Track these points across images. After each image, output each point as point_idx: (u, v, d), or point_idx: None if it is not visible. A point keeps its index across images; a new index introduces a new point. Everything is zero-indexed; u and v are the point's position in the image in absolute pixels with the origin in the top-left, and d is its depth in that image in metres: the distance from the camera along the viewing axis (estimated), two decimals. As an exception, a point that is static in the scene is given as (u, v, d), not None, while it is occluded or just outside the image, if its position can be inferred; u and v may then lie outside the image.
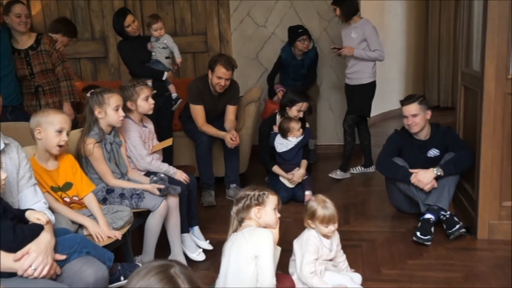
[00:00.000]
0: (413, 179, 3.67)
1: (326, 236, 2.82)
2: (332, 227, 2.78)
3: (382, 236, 3.72)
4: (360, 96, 5.03)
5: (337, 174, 5.13)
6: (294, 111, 4.51)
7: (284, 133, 4.50)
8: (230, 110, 4.67)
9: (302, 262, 2.75)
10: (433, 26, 8.56)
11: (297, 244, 2.86)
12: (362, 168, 5.30)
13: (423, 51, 8.73)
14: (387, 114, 7.78)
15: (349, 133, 5.08)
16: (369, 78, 5.00)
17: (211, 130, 4.50)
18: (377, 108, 7.49)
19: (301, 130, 4.50)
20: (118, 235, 2.76)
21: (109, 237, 2.73)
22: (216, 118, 4.65)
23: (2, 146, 2.19)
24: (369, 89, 5.04)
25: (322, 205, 2.78)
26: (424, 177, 3.64)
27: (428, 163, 3.73)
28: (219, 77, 4.38)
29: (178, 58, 4.63)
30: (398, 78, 8.16)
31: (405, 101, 3.84)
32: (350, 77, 5.07)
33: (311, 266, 2.73)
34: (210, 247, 3.59)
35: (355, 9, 4.93)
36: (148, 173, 3.43)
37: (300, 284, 2.77)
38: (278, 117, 4.66)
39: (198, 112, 4.54)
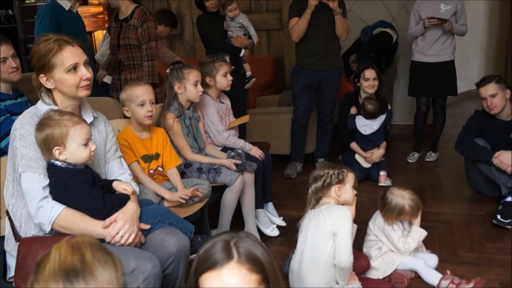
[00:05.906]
0: (495, 160, 3.51)
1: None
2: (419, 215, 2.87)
3: (460, 219, 3.62)
4: (448, 74, 4.75)
5: (433, 156, 4.99)
6: (363, 83, 4.44)
7: (369, 115, 4.41)
8: (339, 23, 4.32)
9: (394, 244, 2.83)
10: (518, 2, 8.09)
11: (374, 229, 2.89)
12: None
13: (507, 29, 8.27)
14: (466, 94, 7.44)
15: (441, 114, 4.88)
16: (453, 55, 4.76)
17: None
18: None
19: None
20: (188, 193, 2.82)
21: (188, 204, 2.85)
22: (326, 39, 4.43)
23: (92, 119, 2.28)
24: (453, 65, 4.78)
25: (405, 199, 2.81)
26: (507, 158, 3.48)
27: (512, 145, 3.56)
28: None
29: (255, 38, 4.55)
30: (478, 57, 7.80)
31: (481, 83, 3.71)
32: (435, 53, 4.69)
33: (401, 240, 2.82)
34: (283, 224, 3.63)
35: None
36: (224, 149, 3.49)
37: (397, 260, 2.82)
38: (360, 98, 4.53)
39: (290, 26, 4.39)
